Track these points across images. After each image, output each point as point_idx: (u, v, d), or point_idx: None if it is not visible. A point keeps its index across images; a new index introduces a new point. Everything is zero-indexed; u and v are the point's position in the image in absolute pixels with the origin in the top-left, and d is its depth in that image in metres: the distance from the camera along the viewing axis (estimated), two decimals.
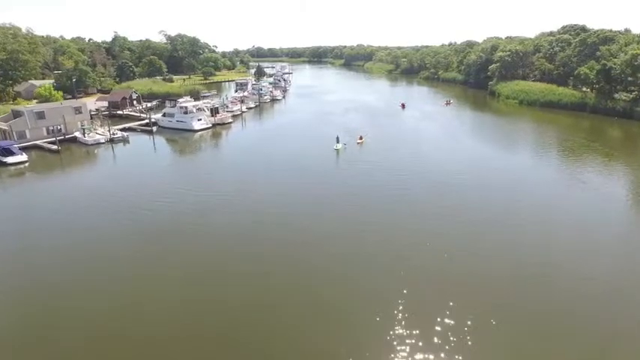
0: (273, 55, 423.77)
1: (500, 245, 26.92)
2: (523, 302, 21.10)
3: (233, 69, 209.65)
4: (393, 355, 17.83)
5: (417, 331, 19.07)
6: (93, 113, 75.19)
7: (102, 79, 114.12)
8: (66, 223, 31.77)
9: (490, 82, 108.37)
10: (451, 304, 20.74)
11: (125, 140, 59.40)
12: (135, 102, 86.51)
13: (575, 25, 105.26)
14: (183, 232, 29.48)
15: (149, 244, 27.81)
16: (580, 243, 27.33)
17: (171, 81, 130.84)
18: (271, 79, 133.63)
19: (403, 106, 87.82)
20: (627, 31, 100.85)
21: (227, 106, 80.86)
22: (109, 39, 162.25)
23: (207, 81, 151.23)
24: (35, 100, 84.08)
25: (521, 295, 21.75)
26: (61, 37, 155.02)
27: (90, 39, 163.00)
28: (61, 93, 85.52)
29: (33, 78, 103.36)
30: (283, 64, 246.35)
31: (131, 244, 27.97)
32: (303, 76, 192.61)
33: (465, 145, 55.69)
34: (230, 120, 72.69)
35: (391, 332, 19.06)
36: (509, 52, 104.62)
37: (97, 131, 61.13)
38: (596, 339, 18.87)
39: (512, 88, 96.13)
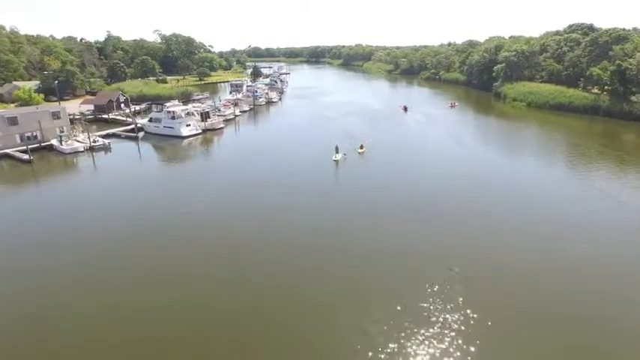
0: (270, 55, 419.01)
1: (513, 255, 25.56)
2: (535, 306, 20.86)
3: (229, 69, 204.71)
4: None
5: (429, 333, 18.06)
6: (76, 117, 70.63)
7: (91, 80, 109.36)
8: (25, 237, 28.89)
9: (495, 84, 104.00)
10: (460, 306, 20.09)
11: (107, 148, 54.68)
12: (122, 105, 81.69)
13: (582, 23, 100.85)
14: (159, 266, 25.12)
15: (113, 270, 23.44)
16: (593, 249, 26.54)
17: (165, 82, 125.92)
18: (267, 80, 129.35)
19: (405, 108, 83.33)
20: (636, 30, 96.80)
21: (219, 110, 75.83)
22: (102, 39, 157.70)
23: (202, 82, 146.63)
24: (14, 104, 79.31)
25: (532, 298, 21.55)
26: (51, 36, 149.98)
27: (82, 38, 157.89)
28: (42, 96, 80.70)
29: (19, 79, 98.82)
30: (281, 64, 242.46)
31: (91, 262, 23.59)
32: (300, 77, 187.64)
33: (477, 155, 51.19)
34: (222, 125, 67.86)
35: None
36: (514, 52, 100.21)
37: (77, 138, 56.33)
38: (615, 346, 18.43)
39: (520, 90, 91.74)
